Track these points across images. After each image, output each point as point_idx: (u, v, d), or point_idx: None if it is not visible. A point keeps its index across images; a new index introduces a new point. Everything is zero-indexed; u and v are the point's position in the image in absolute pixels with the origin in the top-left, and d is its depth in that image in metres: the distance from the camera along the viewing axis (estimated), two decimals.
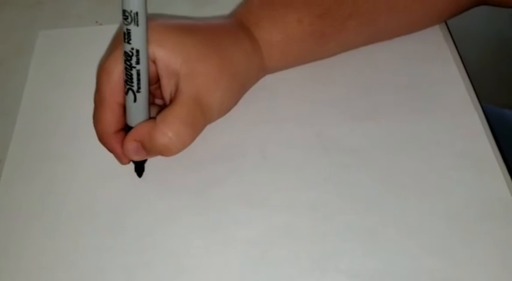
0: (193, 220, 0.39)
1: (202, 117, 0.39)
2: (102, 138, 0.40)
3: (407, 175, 0.41)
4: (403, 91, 0.46)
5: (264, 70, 0.44)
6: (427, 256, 0.37)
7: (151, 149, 0.38)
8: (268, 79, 0.45)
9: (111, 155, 0.41)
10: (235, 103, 0.42)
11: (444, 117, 0.44)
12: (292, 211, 0.39)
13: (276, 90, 0.43)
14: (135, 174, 0.42)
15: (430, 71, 0.47)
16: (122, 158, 0.40)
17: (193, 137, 0.38)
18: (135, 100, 0.38)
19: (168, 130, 0.37)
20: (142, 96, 0.38)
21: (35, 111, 0.46)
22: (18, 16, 0.54)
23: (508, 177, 0.41)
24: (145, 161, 0.41)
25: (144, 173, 0.42)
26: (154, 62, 0.38)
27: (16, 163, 0.43)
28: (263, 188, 0.41)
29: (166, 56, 0.38)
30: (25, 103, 0.47)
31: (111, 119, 0.39)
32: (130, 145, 0.38)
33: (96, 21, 0.53)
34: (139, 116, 0.39)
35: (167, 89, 0.39)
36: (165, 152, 0.38)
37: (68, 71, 0.49)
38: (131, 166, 0.41)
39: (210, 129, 0.41)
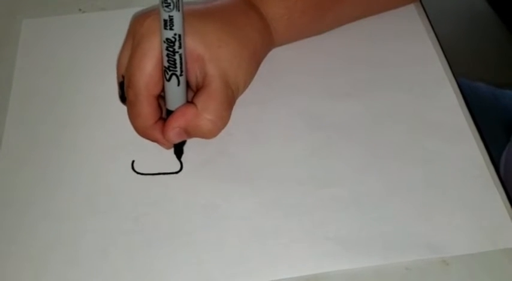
0: (188, 199, 0.41)
1: (233, 96, 0.41)
2: (143, 132, 0.41)
3: (387, 147, 0.43)
4: (381, 67, 0.48)
5: (272, 44, 0.46)
6: (409, 222, 0.39)
7: (195, 134, 0.41)
8: None
9: (105, 138, 0.42)
10: (254, 76, 0.44)
11: (421, 92, 0.46)
12: (281, 186, 0.41)
13: (258, 73, 0.45)
14: (129, 158, 0.43)
15: (405, 47, 0.49)
16: (166, 144, 0.42)
17: (230, 115, 0.41)
18: (178, 84, 0.39)
19: (212, 116, 0.40)
20: (184, 78, 0.40)
21: (25, 99, 0.47)
22: (0, 4, 0.54)
23: (482, 145, 0.43)
24: (184, 143, 0.43)
25: (138, 159, 0.43)
26: None
27: (11, 150, 0.44)
28: (252, 166, 0.42)
29: (190, 43, 0.39)
30: (15, 92, 0.47)
31: (150, 112, 0.40)
32: (172, 131, 0.40)
33: (79, 9, 0.53)
34: (182, 99, 0.40)
35: (192, 72, 0.40)
36: (209, 135, 0.41)
37: (55, 59, 0.49)
38: (127, 152, 0.43)
39: None
